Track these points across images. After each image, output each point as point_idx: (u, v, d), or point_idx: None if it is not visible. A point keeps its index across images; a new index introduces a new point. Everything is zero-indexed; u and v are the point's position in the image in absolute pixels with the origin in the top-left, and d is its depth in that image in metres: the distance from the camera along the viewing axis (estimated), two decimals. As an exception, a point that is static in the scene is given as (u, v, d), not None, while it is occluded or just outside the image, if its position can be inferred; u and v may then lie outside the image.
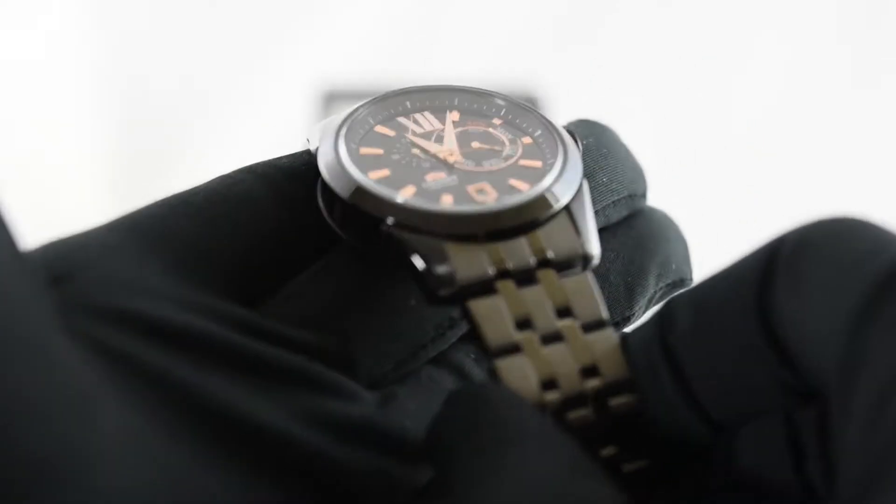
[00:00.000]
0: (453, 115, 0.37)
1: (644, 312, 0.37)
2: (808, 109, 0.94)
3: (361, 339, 0.34)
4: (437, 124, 0.37)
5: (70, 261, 0.30)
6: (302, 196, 0.36)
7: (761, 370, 0.29)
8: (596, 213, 0.38)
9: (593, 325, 0.33)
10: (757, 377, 0.29)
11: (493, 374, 0.31)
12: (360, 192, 0.33)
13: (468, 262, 0.33)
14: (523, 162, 0.36)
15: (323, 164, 0.35)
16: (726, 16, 0.95)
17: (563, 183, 0.35)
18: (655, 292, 0.39)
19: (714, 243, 0.82)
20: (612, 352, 0.32)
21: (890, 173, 0.91)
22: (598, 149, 0.39)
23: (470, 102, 0.38)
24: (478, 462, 0.29)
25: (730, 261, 0.30)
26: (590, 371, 0.32)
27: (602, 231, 0.38)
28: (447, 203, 0.34)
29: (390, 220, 0.33)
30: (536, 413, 0.30)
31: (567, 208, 0.35)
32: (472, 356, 0.35)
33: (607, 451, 0.32)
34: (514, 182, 0.35)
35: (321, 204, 0.35)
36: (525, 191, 0.34)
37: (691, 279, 0.38)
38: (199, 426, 0.28)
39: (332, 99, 0.93)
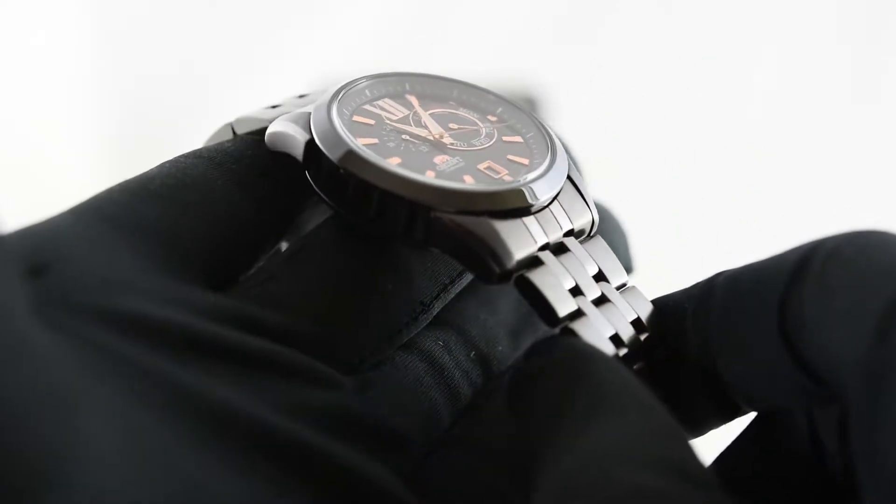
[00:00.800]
0: (413, 101, 0.38)
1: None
2: (808, 109, 0.94)
3: (339, 325, 0.34)
4: (403, 110, 0.37)
5: (45, 253, 0.30)
6: (252, 179, 0.36)
7: (777, 367, 0.30)
8: None
9: (623, 286, 0.35)
10: (773, 372, 0.30)
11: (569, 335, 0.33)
12: (388, 175, 0.34)
13: (517, 238, 0.33)
14: (506, 139, 0.37)
15: (321, 135, 0.35)
16: (726, 16, 0.95)
17: (560, 154, 0.36)
18: None
19: (714, 243, 0.82)
20: (650, 309, 0.34)
21: (889, 174, 0.91)
22: None
23: (423, 87, 0.39)
24: (581, 423, 0.29)
25: (763, 254, 0.31)
26: (639, 327, 0.34)
27: None
28: (475, 183, 0.34)
29: (433, 211, 0.33)
30: (634, 378, 0.31)
31: (570, 178, 0.36)
32: (441, 343, 0.35)
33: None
34: (513, 158, 0.36)
35: (308, 175, 0.35)
36: (529, 168, 0.35)
37: (632, 268, 0.39)
38: (185, 422, 0.28)
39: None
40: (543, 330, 0.35)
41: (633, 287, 0.35)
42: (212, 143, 0.37)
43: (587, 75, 0.93)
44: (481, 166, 0.36)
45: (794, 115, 0.93)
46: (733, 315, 0.31)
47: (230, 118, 0.39)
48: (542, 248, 0.34)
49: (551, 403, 0.31)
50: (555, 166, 0.36)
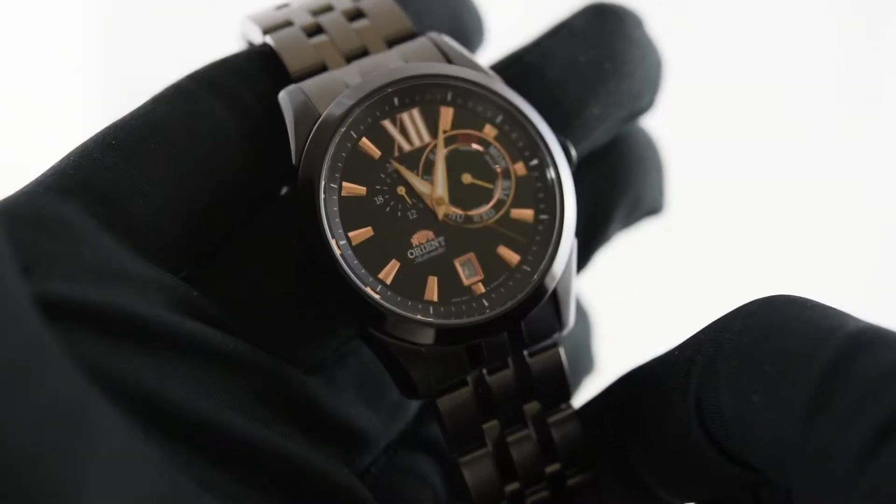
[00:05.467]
0: (445, 119, 0.34)
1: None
2: (809, 108, 0.94)
3: (300, 326, 0.33)
4: (426, 136, 0.33)
5: (34, 249, 0.29)
6: (261, 112, 0.34)
7: (703, 465, 0.29)
8: (578, 143, 0.36)
9: (557, 404, 0.32)
10: (700, 471, 0.29)
11: (457, 469, 0.31)
12: (337, 266, 0.31)
13: (446, 367, 0.31)
14: (514, 213, 0.33)
15: (302, 197, 0.31)
16: (726, 16, 0.95)
17: (557, 263, 0.32)
18: (623, 228, 0.37)
19: (713, 243, 0.82)
20: (572, 433, 0.32)
21: (887, 176, 0.91)
22: (599, 66, 0.36)
23: (465, 99, 0.34)
24: None
25: (664, 346, 0.30)
26: (550, 453, 0.32)
27: (579, 164, 0.36)
28: (431, 296, 0.31)
29: (368, 326, 0.31)
30: None
31: (554, 290, 0.32)
32: None
33: None
34: (503, 252, 0.32)
35: (292, 240, 0.33)
36: (514, 273, 0.32)
37: (662, 208, 0.36)
38: (166, 430, 0.28)
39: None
40: None
41: (570, 409, 0.32)
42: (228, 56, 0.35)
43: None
44: (459, 260, 0.32)
45: (793, 116, 0.93)
46: (643, 422, 0.30)
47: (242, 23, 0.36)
48: (476, 364, 0.31)
49: None
50: (542, 282, 0.31)
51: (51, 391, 0.24)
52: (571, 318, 0.32)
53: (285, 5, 0.36)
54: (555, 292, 0.32)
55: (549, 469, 0.32)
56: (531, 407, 0.32)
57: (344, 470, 0.30)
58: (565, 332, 0.32)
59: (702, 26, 0.95)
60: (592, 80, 0.35)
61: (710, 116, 0.92)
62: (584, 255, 0.35)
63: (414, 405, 0.35)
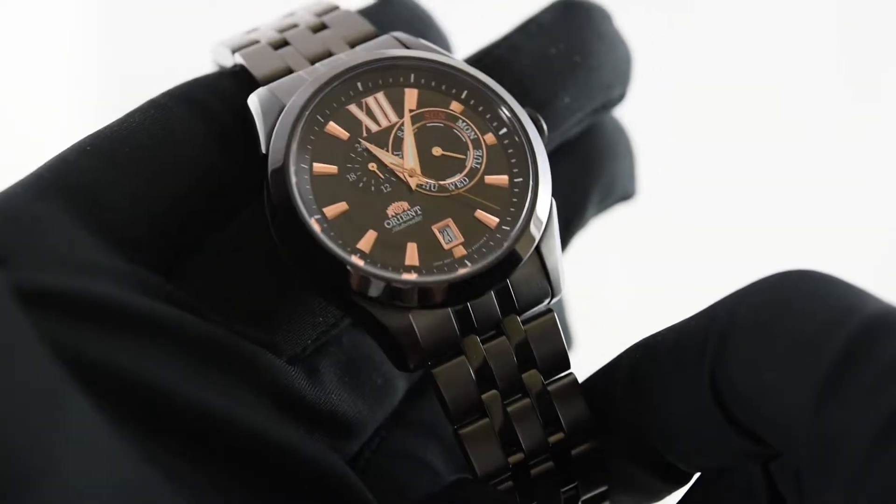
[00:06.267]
0: (410, 99, 0.34)
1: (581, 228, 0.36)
2: (809, 108, 0.93)
3: (279, 316, 0.33)
4: (392, 116, 0.33)
5: (9, 243, 0.29)
6: (231, 119, 0.34)
7: (713, 436, 0.28)
8: (551, 131, 0.36)
9: (556, 372, 0.32)
10: (709, 441, 0.29)
11: (459, 440, 0.31)
12: (316, 242, 0.31)
13: (435, 331, 0.31)
14: (489, 179, 0.33)
15: (273, 182, 0.31)
16: (727, 16, 0.95)
17: (535, 221, 0.32)
18: (597, 214, 0.37)
19: (714, 244, 0.82)
20: (574, 401, 0.31)
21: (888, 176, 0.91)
22: (569, 58, 0.37)
23: (428, 79, 0.34)
24: None
25: (685, 313, 0.29)
26: (553, 423, 0.31)
27: (553, 153, 0.36)
28: (413, 261, 0.31)
29: (352, 294, 0.30)
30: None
31: (537, 248, 0.32)
32: None
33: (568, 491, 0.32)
34: (481, 216, 0.32)
35: (266, 209, 0.33)
36: (494, 233, 0.32)
37: (634, 193, 0.36)
38: (145, 417, 0.28)
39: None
40: None
41: (570, 376, 0.32)
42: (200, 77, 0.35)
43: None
44: (437, 226, 0.32)
45: (793, 116, 0.93)
46: (659, 390, 0.29)
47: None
48: (468, 330, 0.31)
49: None
50: (521, 238, 0.31)
51: (23, 376, 0.24)
52: (562, 283, 0.32)
53: (255, 29, 0.37)
54: (540, 255, 0.32)
55: (553, 439, 0.31)
56: (530, 376, 0.31)
57: (332, 456, 0.30)
58: (557, 297, 0.32)
59: (701, 26, 0.95)
60: (562, 71, 0.36)
61: (709, 116, 0.92)
62: (563, 239, 0.36)
63: (401, 387, 0.35)
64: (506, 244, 0.32)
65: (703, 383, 0.27)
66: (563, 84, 0.36)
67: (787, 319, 0.26)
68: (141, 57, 0.93)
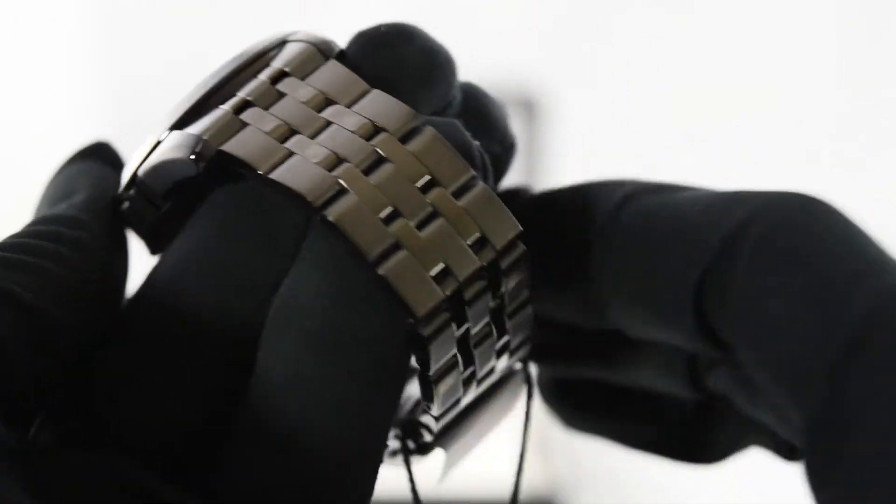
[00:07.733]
0: None
1: None
2: (809, 108, 0.94)
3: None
4: None
5: None
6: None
7: (676, 325, 0.26)
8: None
9: (463, 188, 0.26)
10: (671, 327, 0.26)
11: (384, 282, 0.25)
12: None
13: (303, 175, 0.25)
14: None
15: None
16: (727, 17, 0.95)
17: None
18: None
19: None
20: (495, 212, 0.26)
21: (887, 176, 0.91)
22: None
23: None
24: None
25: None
26: (480, 243, 0.26)
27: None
28: None
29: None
30: None
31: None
32: None
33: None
34: None
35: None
36: None
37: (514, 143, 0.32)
38: None
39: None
40: None
41: (478, 185, 0.27)
42: None
43: (587, 75, 0.93)
44: None
45: (792, 116, 0.93)
46: (645, 263, 0.26)
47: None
48: (340, 162, 0.26)
49: None
50: None
51: None
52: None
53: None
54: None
55: (484, 258, 0.27)
56: (435, 196, 0.27)
57: None
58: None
59: (701, 26, 0.95)
60: None
61: (709, 117, 0.92)
62: None
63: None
64: None
65: (690, 282, 0.26)
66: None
67: (804, 253, 0.24)
68: (141, 57, 0.93)
